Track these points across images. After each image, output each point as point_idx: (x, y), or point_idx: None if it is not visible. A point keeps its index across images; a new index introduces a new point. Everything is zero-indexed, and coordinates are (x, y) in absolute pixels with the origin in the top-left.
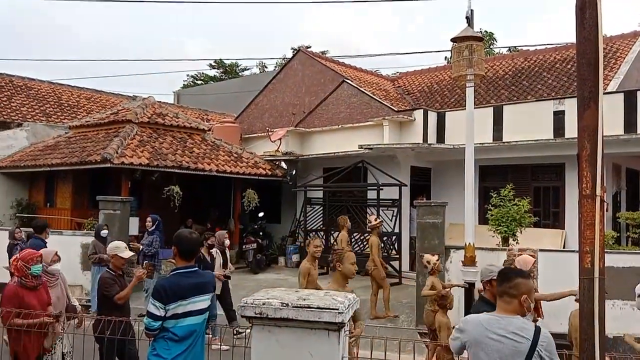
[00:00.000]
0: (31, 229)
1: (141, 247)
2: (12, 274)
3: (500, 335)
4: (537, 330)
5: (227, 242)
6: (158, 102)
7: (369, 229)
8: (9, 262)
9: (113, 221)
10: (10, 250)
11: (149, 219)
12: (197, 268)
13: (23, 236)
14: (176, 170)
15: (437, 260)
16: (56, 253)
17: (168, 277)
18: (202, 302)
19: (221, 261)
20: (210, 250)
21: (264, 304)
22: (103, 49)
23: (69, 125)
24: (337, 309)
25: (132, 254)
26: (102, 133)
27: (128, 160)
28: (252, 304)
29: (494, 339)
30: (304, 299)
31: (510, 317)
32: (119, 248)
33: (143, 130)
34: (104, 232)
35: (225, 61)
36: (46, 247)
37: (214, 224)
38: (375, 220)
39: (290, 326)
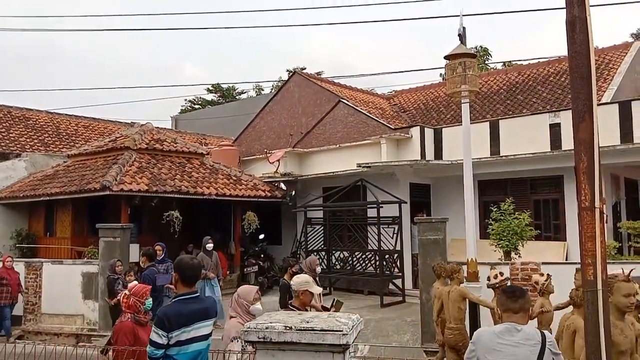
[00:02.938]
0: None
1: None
2: (112, 310)
3: (515, 342)
4: (543, 334)
5: (319, 269)
6: (156, 127)
7: (490, 287)
8: (106, 298)
9: (113, 248)
10: (112, 285)
11: (158, 247)
12: (198, 294)
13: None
14: (175, 195)
15: (547, 280)
16: (257, 291)
17: (170, 304)
18: (205, 327)
19: None
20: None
21: (267, 328)
22: (100, 77)
23: (68, 154)
24: (341, 331)
25: (322, 289)
26: (101, 161)
27: (127, 187)
28: (255, 328)
29: (509, 344)
30: (308, 322)
31: (523, 326)
32: (309, 283)
33: (141, 156)
34: (209, 246)
35: (222, 85)
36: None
37: (215, 247)
38: (499, 275)
39: (294, 349)
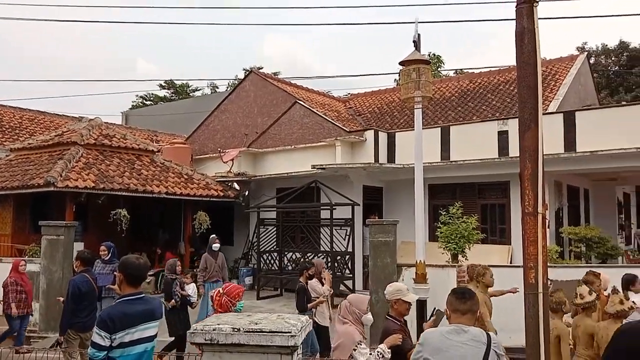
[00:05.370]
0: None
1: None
2: (169, 313)
3: (462, 343)
4: (488, 335)
5: (325, 272)
6: (105, 123)
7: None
8: (165, 300)
9: (56, 247)
10: (170, 287)
11: (103, 247)
12: (144, 295)
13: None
14: (123, 193)
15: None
16: (369, 301)
17: (114, 305)
18: (150, 329)
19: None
20: (310, 281)
21: (214, 329)
22: (49, 70)
23: (10, 148)
24: (290, 332)
25: (417, 297)
26: (46, 155)
27: (73, 183)
28: (202, 330)
29: (456, 345)
30: (256, 323)
31: (469, 327)
32: (402, 291)
33: (89, 152)
34: (216, 246)
35: (176, 82)
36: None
37: (164, 247)
38: (589, 294)
39: (242, 351)
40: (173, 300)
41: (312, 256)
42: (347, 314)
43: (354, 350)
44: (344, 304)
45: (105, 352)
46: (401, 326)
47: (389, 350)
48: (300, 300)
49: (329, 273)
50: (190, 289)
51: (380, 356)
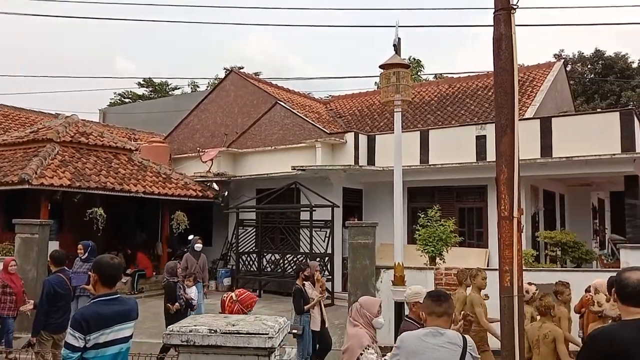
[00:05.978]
0: None
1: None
2: (170, 317)
3: (438, 345)
4: (464, 338)
5: (318, 274)
6: (82, 120)
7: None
8: (168, 304)
9: (30, 246)
10: (174, 291)
11: (80, 246)
12: (119, 295)
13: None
14: (100, 192)
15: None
16: (380, 304)
17: (88, 305)
18: (126, 329)
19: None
20: (304, 283)
21: (190, 331)
22: (26, 66)
23: None
24: (267, 334)
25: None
26: (21, 152)
27: (48, 181)
28: (178, 331)
29: (432, 348)
30: (233, 325)
31: (445, 330)
32: (420, 294)
33: (65, 149)
34: (198, 246)
35: (155, 80)
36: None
37: (136, 247)
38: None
39: (219, 353)
40: (177, 304)
41: (291, 257)
42: (357, 317)
43: (361, 354)
44: (355, 306)
45: (79, 353)
46: (419, 328)
47: None
48: (297, 302)
49: (322, 277)
50: (193, 291)
51: None
